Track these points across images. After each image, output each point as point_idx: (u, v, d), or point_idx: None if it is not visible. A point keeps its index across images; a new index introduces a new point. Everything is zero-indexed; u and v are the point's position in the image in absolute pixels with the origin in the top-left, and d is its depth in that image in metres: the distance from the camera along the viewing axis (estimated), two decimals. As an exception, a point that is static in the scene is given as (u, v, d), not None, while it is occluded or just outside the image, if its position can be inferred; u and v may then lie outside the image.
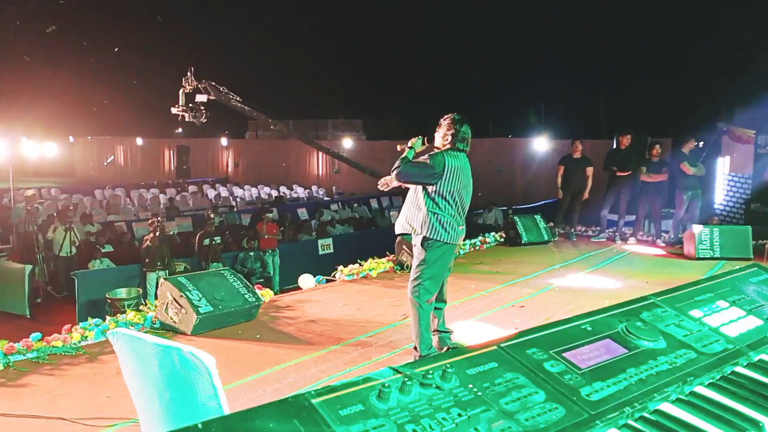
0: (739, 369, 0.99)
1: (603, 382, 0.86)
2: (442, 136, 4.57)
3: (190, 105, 10.21)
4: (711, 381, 0.94)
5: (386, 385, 0.75)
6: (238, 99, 10.81)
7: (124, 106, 27.39)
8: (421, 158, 4.54)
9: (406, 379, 0.77)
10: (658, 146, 9.88)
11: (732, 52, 12.36)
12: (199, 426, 0.65)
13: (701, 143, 10.10)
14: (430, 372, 0.80)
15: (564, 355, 0.90)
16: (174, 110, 10.31)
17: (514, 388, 0.81)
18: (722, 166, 12.17)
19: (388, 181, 4.74)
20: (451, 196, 4.41)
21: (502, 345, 0.90)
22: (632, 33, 16.65)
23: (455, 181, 4.42)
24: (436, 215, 4.40)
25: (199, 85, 10.26)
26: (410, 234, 4.64)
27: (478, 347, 0.89)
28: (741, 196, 11.50)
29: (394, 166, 4.48)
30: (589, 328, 1.00)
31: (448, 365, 0.82)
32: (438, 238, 4.41)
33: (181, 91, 10.29)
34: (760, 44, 11.70)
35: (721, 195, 12.04)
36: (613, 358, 0.93)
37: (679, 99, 13.49)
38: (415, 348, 4.59)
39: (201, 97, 10.20)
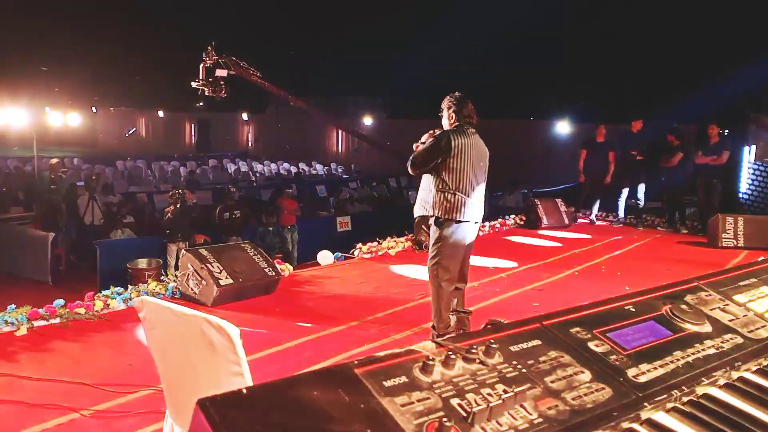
0: (786, 356, 0.96)
1: (649, 364, 0.84)
2: (446, 117, 4.59)
3: (210, 79, 10.19)
4: (759, 367, 0.92)
5: (430, 358, 0.73)
6: (258, 74, 10.75)
7: (147, 78, 27.46)
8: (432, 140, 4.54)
9: (450, 353, 0.75)
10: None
11: (760, 38, 12.04)
12: (244, 391, 0.63)
13: (726, 131, 9.89)
14: (474, 347, 0.78)
15: (609, 335, 0.88)
16: (194, 84, 10.31)
17: (559, 366, 0.79)
18: (747, 154, 11.93)
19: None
20: (460, 172, 4.37)
21: (545, 323, 0.88)
22: (657, 15, 16.31)
23: (463, 158, 4.39)
24: (445, 194, 4.40)
25: (220, 60, 10.23)
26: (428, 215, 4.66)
27: (520, 325, 0.87)
28: (767, 185, 11.29)
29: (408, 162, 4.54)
30: (633, 310, 0.97)
31: (491, 341, 0.80)
32: (450, 217, 4.41)
33: (201, 65, 10.27)
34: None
35: (745, 184, 11.83)
36: (659, 340, 0.90)
37: (706, 85, 13.23)
38: (433, 327, 4.60)
39: (221, 72, 10.16)
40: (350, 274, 7.02)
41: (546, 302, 5.80)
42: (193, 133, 32.45)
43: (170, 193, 9.63)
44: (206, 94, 10.39)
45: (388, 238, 8.40)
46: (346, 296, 6.10)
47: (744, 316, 1.03)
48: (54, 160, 13.08)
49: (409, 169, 4.53)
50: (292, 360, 4.46)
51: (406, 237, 8.49)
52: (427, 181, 4.54)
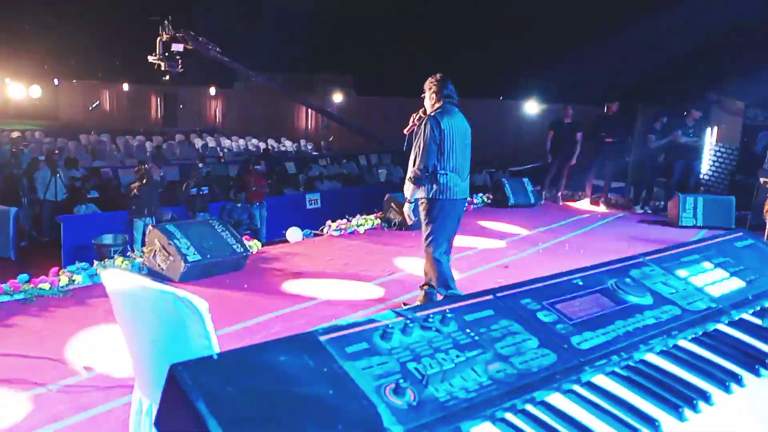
0: (720, 327, 1.04)
1: (592, 332, 0.91)
2: (428, 98, 4.69)
3: (167, 54, 9.94)
4: (694, 336, 0.99)
5: (390, 326, 0.79)
6: (217, 50, 10.52)
7: (111, 50, 26.75)
8: (421, 129, 4.55)
9: (408, 322, 0.81)
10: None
11: (723, 21, 12.27)
12: (215, 357, 0.68)
13: (699, 113, 10.13)
14: (431, 316, 0.84)
15: (557, 306, 0.95)
16: (151, 58, 10.05)
17: (509, 334, 0.85)
18: (710, 136, 12.20)
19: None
20: (449, 152, 4.52)
21: (498, 294, 0.95)
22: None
23: (451, 137, 4.52)
24: (436, 175, 4.51)
25: (177, 34, 9.97)
26: (405, 195, 4.73)
27: (475, 296, 0.93)
28: (727, 167, 11.60)
29: (414, 176, 4.54)
30: (581, 283, 1.04)
31: (447, 311, 0.86)
32: (442, 196, 4.53)
33: (158, 39, 9.99)
34: (752, 13, 11.61)
35: (707, 165, 12.13)
36: (603, 311, 0.98)
37: (669, 67, 13.48)
38: (434, 288, 4.71)
39: (177, 47, 9.91)
40: (319, 251, 7.05)
41: (511, 279, 5.92)
42: (159, 108, 31.83)
43: (136, 168, 9.50)
44: (163, 68, 10.15)
45: (358, 216, 8.44)
46: (315, 273, 6.14)
47: (684, 289, 1.11)
48: (15, 134, 12.76)
49: (426, 170, 4.50)
50: (259, 336, 4.50)
51: (375, 214, 8.54)
52: (413, 162, 4.59)
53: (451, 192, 4.54)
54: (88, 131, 22.53)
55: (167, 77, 10.82)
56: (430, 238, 4.62)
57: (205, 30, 10.17)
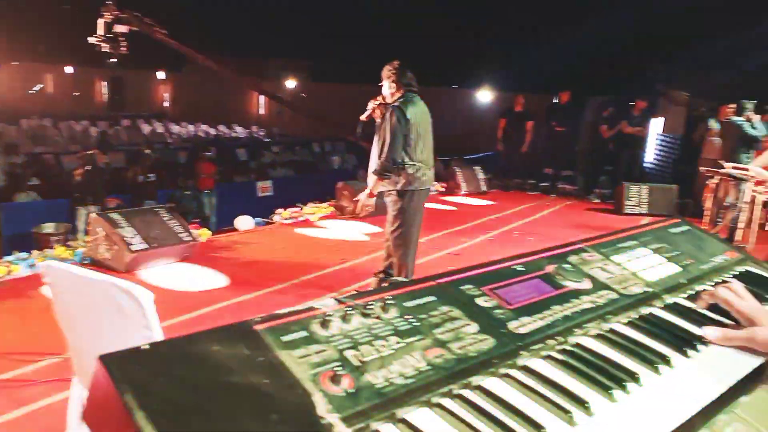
0: (654, 310, 1.07)
1: (530, 317, 0.93)
2: (388, 87, 4.62)
3: (110, 35, 9.54)
4: (629, 320, 1.02)
5: (329, 314, 0.78)
6: (164, 32, 10.15)
7: (54, 30, 25.65)
8: (386, 121, 4.48)
9: (348, 309, 0.80)
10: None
11: (670, 14, 12.64)
12: (146, 347, 0.66)
13: (645, 104, 10.45)
14: (371, 303, 0.84)
15: (496, 291, 0.96)
16: (91, 40, 9.64)
17: (448, 320, 0.86)
18: (655, 126, 12.59)
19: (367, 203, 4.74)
20: (416, 142, 4.49)
21: (439, 281, 0.95)
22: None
23: (417, 128, 4.49)
24: (404, 166, 4.47)
25: (121, 15, 9.59)
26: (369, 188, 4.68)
27: (417, 282, 0.94)
28: (671, 156, 11.99)
29: (381, 169, 4.46)
30: (521, 269, 1.06)
31: (388, 297, 0.86)
32: (411, 188, 4.52)
33: (100, 19, 9.59)
34: (697, 7, 12.00)
35: (652, 154, 12.51)
36: (541, 296, 0.99)
37: (617, 57, 13.83)
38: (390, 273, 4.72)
39: (121, 28, 9.51)
40: (270, 240, 6.99)
41: (461, 266, 6.00)
42: (103, 91, 30.82)
43: (80, 155, 9.19)
44: (105, 51, 9.75)
45: (310, 204, 8.39)
46: (266, 262, 6.08)
47: (620, 274, 1.14)
48: (-52, 117, 12.15)
49: (393, 162, 4.44)
50: (209, 326, 4.43)
51: (328, 202, 8.51)
52: (378, 153, 4.52)
53: (420, 182, 4.53)
54: (29, 115, 21.64)
55: (114, 60, 10.35)
56: (400, 230, 4.59)
57: (152, 10, 9.82)
